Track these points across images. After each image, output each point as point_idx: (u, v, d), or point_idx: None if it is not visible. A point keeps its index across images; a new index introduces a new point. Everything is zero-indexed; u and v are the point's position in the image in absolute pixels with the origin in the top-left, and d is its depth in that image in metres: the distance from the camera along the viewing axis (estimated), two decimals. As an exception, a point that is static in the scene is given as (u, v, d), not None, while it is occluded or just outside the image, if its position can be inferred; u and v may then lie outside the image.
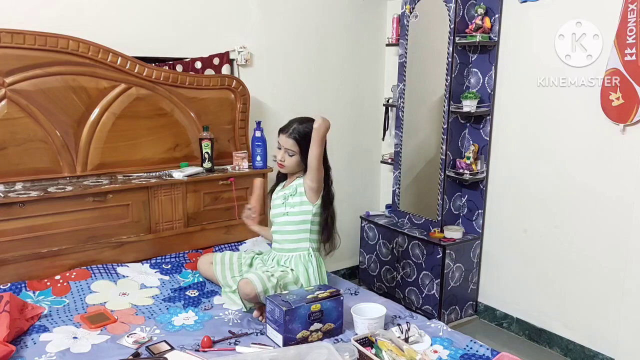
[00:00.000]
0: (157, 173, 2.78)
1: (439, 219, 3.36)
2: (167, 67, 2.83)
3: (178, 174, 2.72)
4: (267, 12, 3.26)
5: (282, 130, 2.39)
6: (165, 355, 1.83)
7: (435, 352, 1.90)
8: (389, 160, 3.81)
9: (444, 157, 3.28)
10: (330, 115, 3.62)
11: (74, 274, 2.40)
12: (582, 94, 2.76)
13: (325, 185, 2.39)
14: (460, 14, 3.12)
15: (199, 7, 3.00)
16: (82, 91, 2.55)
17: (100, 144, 2.63)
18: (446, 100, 3.21)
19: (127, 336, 1.95)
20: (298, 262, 2.33)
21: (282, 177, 2.52)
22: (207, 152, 2.84)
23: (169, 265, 2.62)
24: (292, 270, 2.31)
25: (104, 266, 2.49)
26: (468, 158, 3.26)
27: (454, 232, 3.28)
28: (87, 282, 2.37)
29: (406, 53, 3.47)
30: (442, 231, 3.33)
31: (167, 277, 2.52)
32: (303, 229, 2.36)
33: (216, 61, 3.04)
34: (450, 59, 3.16)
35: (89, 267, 2.46)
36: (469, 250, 3.33)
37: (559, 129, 2.91)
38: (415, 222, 3.54)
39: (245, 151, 3.02)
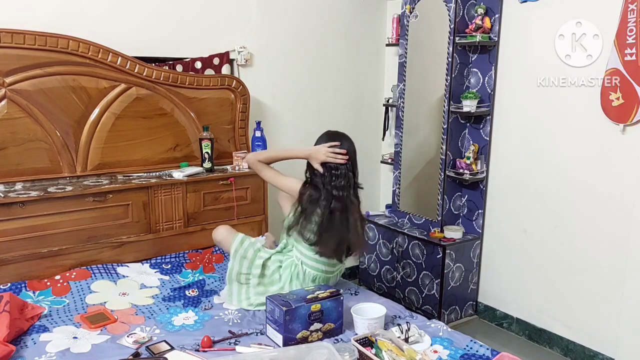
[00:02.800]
0: (157, 173, 2.78)
1: (439, 219, 3.36)
2: (167, 67, 2.83)
3: (178, 174, 2.72)
4: (267, 12, 3.26)
5: None
6: (165, 355, 1.83)
7: (435, 352, 1.90)
8: (389, 160, 3.81)
9: (444, 157, 3.28)
10: (330, 115, 3.65)
11: (74, 274, 2.40)
12: (582, 94, 2.76)
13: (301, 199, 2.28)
14: (460, 14, 3.12)
15: (199, 7, 3.00)
16: (82, 91, 2.55)
17: (100, 144, 2.63)
18: (446, 100, 3.21)
19: (127, 336, 1.96)
20: (288, 267, 2.31)
21: None
22: (207, 152, 2.84)
23: (169, 265, 2.62)
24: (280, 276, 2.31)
25: (104, 266, 2.49)
26: (468, 158, 3.26)
27: (454, 232, 3.28)
28: (87, 282, 2.37)
29: (406, 53, 3.47)
30: (442, 231, 3.33)
31: (167, 277, 2.52)
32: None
33: (216, 61, 3.04)
34: (450, 59, 3.16)
35: (89, 267, 2.46)
36: (469, 250, 3.33)
37: (559, 129, 2.91)
38: (415, 222, 3.54)
39: (245, 151, 3.02)
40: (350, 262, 2.40)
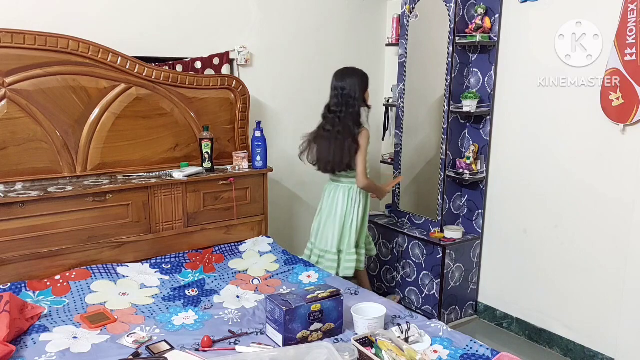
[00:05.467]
0: (157, 173, 2.78)
1: (439, 219, 3.36)
2: (167, 67, 2.83)
3: (178, 174, 2.72)
4: (267, 12, 3.26)
5: None
6: (165, 355, 1.83)
7: (435, 352, 1.90)
8: (389, 160, 3.80)
9: (444, 157, 3.28)
10: (330, 115, 3.64)
11: (74, 274, 2.40)
12: (582, 94, 2.76)
13: None
14: (460, 14, 3.12)
15: (199, 7, 3.00)
16: (82, 91, 2.55)
17: (100, 144, 2.63)
18: (446, 100, 3.21)
19: (127, 336, 1.96)
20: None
21: None
22: (207, 152, 2.84)
23: (169, 265, 2.62)
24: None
25: (104, 266, 2.49)
26: (468, 158, 3.26)
27: (454, 232, 3.28)
28: (87, 282, 2.37)
29: (406, 53, 3.47)
30: (442, 231, 3.33)
31: (167, 277, 2.52)
32: None
33: (216, 61, 3.04)
34: (450, 59, 3.16)
35: (89, 267, 2.46)
36: (469, 250, 3.33)
37: (559, 129, 2.91)
38: (415, 222, 3.54)
39: (245, 151, 3.01)
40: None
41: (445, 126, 3.24)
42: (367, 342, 1.81)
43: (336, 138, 2.80)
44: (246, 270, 2.67)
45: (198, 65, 2.97)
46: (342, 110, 2.80)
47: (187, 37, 2.98)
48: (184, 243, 2.78)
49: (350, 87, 2.80)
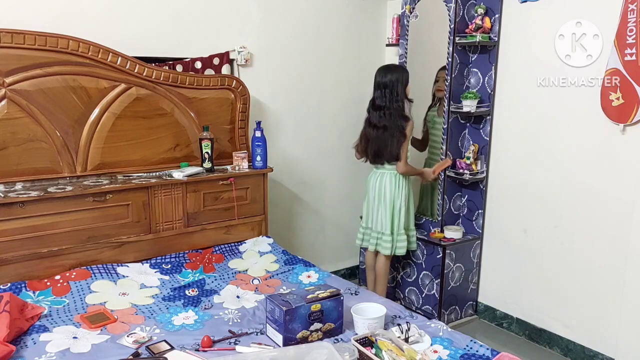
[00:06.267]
0: (157, 173, 2.78)
1: (439, 219, 3.36)
2: (167, 67, 2.83)
3: (178, 174, 2.72)
4: (267, 12, 3.26)
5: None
6: (165, 355, 1.83)
7: (435, 352, 1.90)
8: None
9: (444, 157, 3.28)
10: (330, 115, 3.66)
11: (74, 274, 2.40)
12: (582, 94, 2.77)
13: None
14: (460, 14, 3.12)
15: (199, 7, 3.00)
16: (82, 91, 2.55)
17: (100, 144, 2.63)
18: (446, 100, 3.21)
19: (127, 336, 1.96)
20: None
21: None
22: (207, 152, 2.84)
23: (169, 265, 2.62)
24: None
25: (104, 266, 2.49)
26: (468, 158, 3.26)
27: (454, 232, 3.28)
28: (87, 282, 2.37)
29: (406, 53, 3.47)
30: (442, 231, 3.33)
31: (167, 277, 2.52)
32: None
33: (216, 61, 3.04)
34: (450, 59, 3.16)
35: (89, 267, 2.46)
36: (469, 250, 3.33)
37: (559, 129, 2.91)
38: (416, 222, 3.53)
39: (245, 151, 3.01)
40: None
41: (445, 126, 3.24)
42: (367, 342, 1.81)
43: (384, 132, 3.02)
44: (246, 270, 2.67)
45: (198, 65, 2.97)
46: (386, 104, 3.01)
47: (187, 37, 2.98)
48: (184, 243, 2.78)
49: (392, 83, 3.01)
